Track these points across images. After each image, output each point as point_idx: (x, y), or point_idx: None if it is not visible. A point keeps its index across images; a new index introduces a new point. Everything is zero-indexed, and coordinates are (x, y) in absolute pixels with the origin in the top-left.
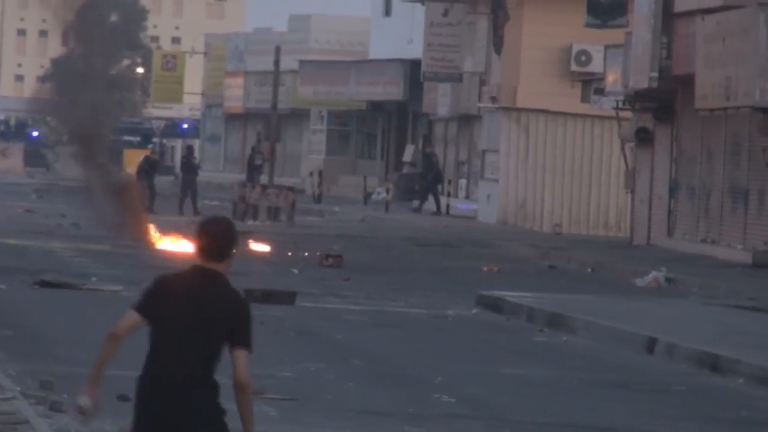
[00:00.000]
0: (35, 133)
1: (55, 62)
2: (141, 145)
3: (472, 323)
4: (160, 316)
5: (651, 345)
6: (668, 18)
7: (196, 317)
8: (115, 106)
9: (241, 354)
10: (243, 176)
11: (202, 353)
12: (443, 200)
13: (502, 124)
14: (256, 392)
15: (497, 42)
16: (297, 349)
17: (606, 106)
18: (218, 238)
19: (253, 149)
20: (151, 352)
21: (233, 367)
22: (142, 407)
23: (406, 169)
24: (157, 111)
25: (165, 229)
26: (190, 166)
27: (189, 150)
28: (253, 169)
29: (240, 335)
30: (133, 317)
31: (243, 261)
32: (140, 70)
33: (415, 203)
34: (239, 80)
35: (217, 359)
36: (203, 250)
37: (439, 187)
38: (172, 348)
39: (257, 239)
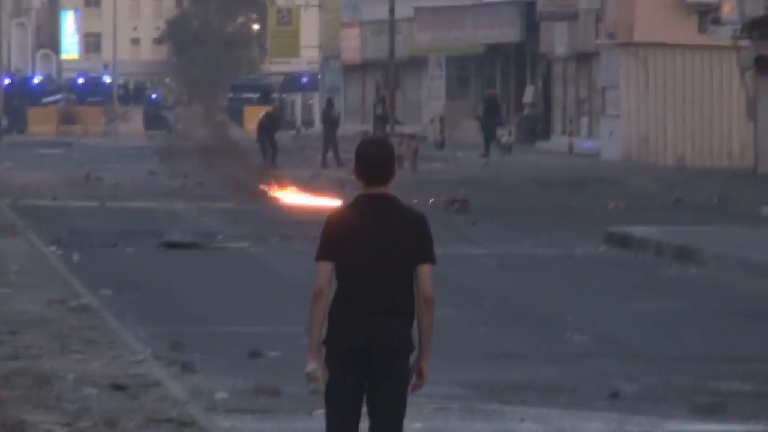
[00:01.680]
0: (154, 96)
1: (170, 23)
2: (261, 102)
3: (601, 260)
4: (347, 254)
5: None
6: None
7: (382, 244)
8: (233, 64)
9: (426, 268)
10: (364, 127)
11: (396, 279)
12: (566, 140)
13: (620, 60)
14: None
15: None
16: None
17: (723, 35)
18: (381, 161)
19: (375, 99)
20: (344, 290)
21: (419, 282)
22: (340, 345)
23: (527, 111)
24: (274, 67)
25: (288, 184)
26: (330, 119)
27: (329, 103)
28: (376, 119)
29: (424, 250)
30: (326, 267)
31: None
32: (256, 26)
33: (483, 157)
34: (355, 31)
35: (411, 283)
36: (367, 176)
37: (498, 129)
38: (366, 281)
39: None
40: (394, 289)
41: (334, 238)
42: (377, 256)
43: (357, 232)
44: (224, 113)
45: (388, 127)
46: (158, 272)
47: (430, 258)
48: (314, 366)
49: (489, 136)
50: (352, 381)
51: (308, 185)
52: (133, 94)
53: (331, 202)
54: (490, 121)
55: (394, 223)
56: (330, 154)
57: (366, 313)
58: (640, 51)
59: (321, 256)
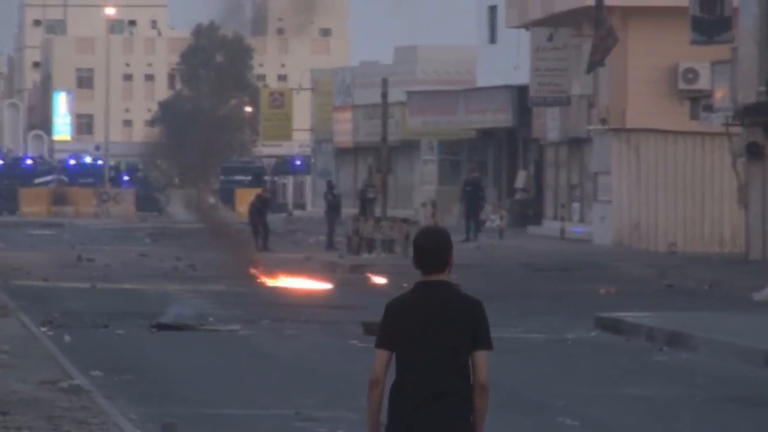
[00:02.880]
0: (144, 177)
1: (163, 105)
2: (252, 184)
3: (592, 345)
4: (405, 341)
5: None
6: None
7: (439, 331)
8: (225, 146)
9: (482, 355)
10: (356, 210)
11: (453, 365)
12: (557, 224)
13: (612, 145)
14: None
15: (593, 63)
16: None
17: (715, 122)
18: (438, 250)
19: (365, 183)
20: (403, 376)
21: (474, 368)
22: (393, 418)
23: (518, 195)
24: (266, 149)
25: (280, 267)
26: (329, 202)
27: (329, 186)
28: (365, 203)
29: (480, 337)
30: (384, 355)
31: (359, 294)
32: (248, 109)
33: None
34: (347, 114)
35: (468, 368)
36: (425, 264)
37: (481, 212)
38: (425, 367)
39: (373, 272)
40: (451, 375)
41: (394, 326)
42: (434, 343)
43: (414, 320)
44: (216, 195)
45: (378, 210)
46: (149, 354)
47: (486, 344)
48: None
49: (472, 220)
50: None
51: (300, 268)
52: (124, 176)
53: (321, 285)
54: (473, 204)
55: (451, 309)
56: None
57: (426, 399)
58: (632, 137)
59: (379, 343)
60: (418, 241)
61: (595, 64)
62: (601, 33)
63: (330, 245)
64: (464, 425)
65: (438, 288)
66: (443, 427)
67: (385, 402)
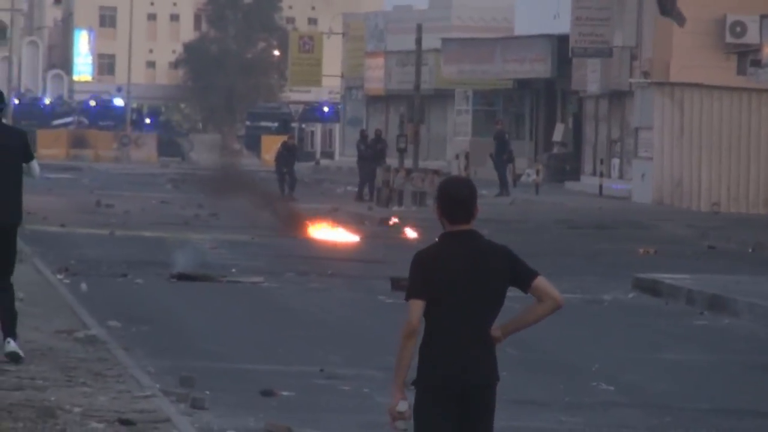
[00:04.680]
0: (169, 121)
1: (188, 47)
2: (279, 131)
3: (629, 308)
4: (441, 291)
5: None
6: None
7: (476, 279)
8: (251, 91)
9: (540, 280)
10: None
11: (487, 313)
12: (596, 181)
13: (655, 99)
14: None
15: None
16: None
17: (763, 78)
18: (466, 199)
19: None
20: (436, 327)
21: (544, 293)
22: (437, 382)
23: (556, 149)
24: (294, 95)
25: (307, 217)
26: (362, 153)
27: (361, 135)
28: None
29: (525, 269)
30: (419, 305)
31: (390, 249)
32: (276, 53)
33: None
34: (380, 61)
35: (496, 316)
36: (453, 215)
37: (510, 166)
38: (460, 316)
39: (404, 225)
40: (484, 322)
41: (427, 277)
42: (471, 291)
43: (449, 269)
44: (241, 142)
45: (410, 162)
46: (169, 305)
47: (535, 271)
48: (406, 404)
49: (503, 174)
50: (447, 419)
51: (327, 219)
52: (147, 119)
53: (349, 237)
54: (497, 158)
55: (487, 257)
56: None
57: (460, 348)
58: (676, 91)
59: (415, 293)
60: (445, 191)
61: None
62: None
63: (360, 196)
64: (495, 374)
65: (469, 237)
66: (479, 372)
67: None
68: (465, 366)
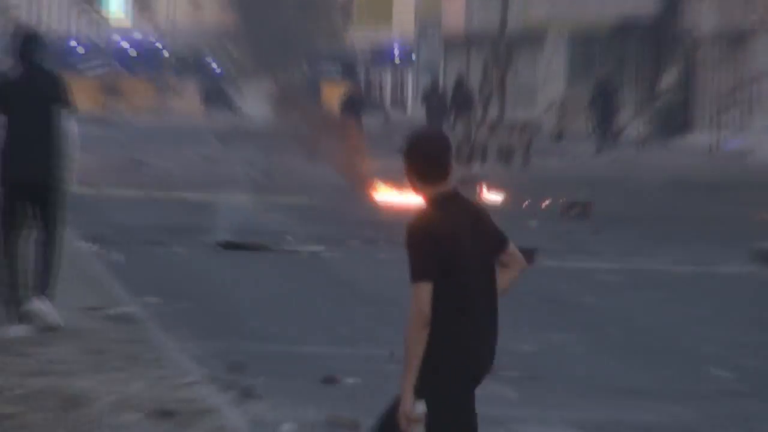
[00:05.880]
0: (215, 67)
1: None
2: (343, 77)
3: (749, 283)
4: (454, 267)
5: None
6: None
7: (480, 247)
8: (311, 31)
9: (512, 244)
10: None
11: (494, 285)
12: (710, 136)
13: None
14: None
15: None
16: (539, 317)
17: None
18: (443, 155)
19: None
20: (455, 305)
21: (516, 260)
22: (465, 373)
23: (663, 100)
24: (360, 35)
25: (378, 178)
26: (431, 104)
27: (433, 85)
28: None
29: (502, 234)
30: (429, 289)
31: None
32: None
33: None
34: None
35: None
36: (432, 174)
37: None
38: (478, 289)
39: (487, 186)
40: (494, 294)
41: (442, 252)
42: (479, 261)
43: (458, 241)
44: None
45: (489, 116)
46: (215, 278)
47: (507, 236)
48: (423, 407)
49: (605, 128)
50: (473, 407)
51: (397, 180)
52: (191, 64)
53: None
54: (604, 110)
55: (482, 220)
56: None
57: (482, 331)
58: None
59: (425, 275)
60: (417, 149)
61: None
62: None
63: None
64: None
65: (461, 200)
66: (493, 344)
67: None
68: (488, 352)
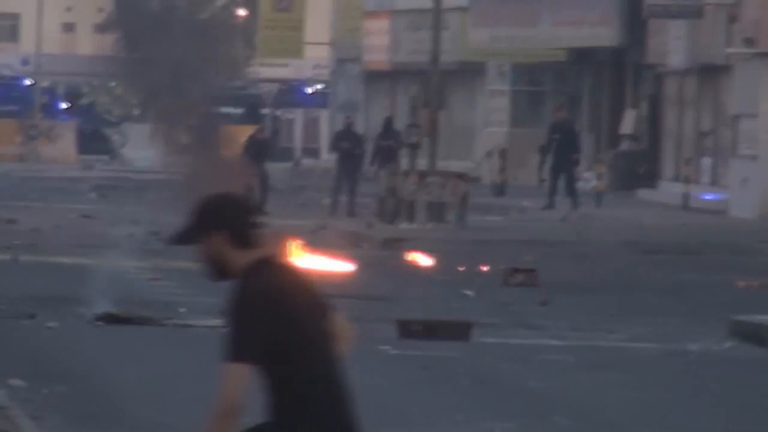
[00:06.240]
0: (94, 106)
1: (119, 4)
2: (246, 120)
3: (725, 362)
4: (294, 339)
5: None
6: None
7: (315, 316)
8: (208, 66)
9: (341, 317)
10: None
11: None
12: (679, 188)
13: (761, 76)
14: None
15: None
16: (474, 401)
17: None
18: (250, 217)
19: (412, 123)
20: (304, 383)
21: (344, 336)
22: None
23: (625, 145)
24: (266, 70)
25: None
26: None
27: (347, 126)
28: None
29: (326, 304)
30: (247, 370)
31: (398, 280)
32: (242, 12)
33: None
34: (383, 23)
35: None
36: (249, 237)
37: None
38: (324, 357)
39: (415, 249)
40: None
41: (272, 324)
42: (319, 328)
43: (298, 308)
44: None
45: (424, 163)
46: (94, 357)
47: (332, 304)
48: None
49: (564, 179)
50: None
51: (310, 242)
52: (64, 103)
53: (341, 266)
54: (561, 158)
55: (310, 287)
56: (345, 198)
57: (343, 397)
58: None
59: (246, 355)
60: (238, 207)
61: None
62: None
63: (351, 210)
64: None
65: (282, 264)
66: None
67: None
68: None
